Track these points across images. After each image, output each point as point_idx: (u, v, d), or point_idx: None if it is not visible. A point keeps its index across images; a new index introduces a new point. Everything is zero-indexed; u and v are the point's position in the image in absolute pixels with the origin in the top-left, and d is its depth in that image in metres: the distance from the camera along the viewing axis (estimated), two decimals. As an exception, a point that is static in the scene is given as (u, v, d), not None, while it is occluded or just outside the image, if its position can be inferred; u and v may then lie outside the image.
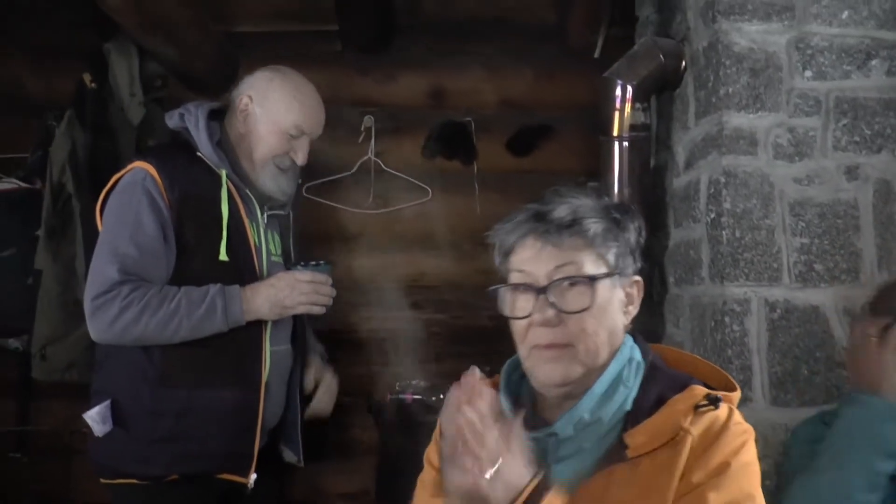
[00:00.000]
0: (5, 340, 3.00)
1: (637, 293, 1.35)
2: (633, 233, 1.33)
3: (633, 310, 1.34)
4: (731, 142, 2.06)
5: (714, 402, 1.24)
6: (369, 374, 3.28)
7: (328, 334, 3.27)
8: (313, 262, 2.26)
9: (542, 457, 1.23)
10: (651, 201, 2.52)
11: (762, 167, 2.06)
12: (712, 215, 2.12)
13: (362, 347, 3.29)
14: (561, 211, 1.27)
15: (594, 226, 1.27)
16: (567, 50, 3.31)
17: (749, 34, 2.08)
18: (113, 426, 2.05)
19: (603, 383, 1.27)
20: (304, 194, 3.25)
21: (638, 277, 1.35)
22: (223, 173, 2.13)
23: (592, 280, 1.26)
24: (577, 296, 1.26)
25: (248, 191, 2.20)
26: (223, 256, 2.07)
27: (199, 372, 2.06)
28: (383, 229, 3.31)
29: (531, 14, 3.34)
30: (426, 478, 1.45)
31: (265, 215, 2.26)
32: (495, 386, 1.38)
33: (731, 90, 2.07)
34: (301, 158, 2.26)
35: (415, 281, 3.32)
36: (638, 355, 1.34)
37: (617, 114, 2.45)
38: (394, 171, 3.28)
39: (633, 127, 2.45)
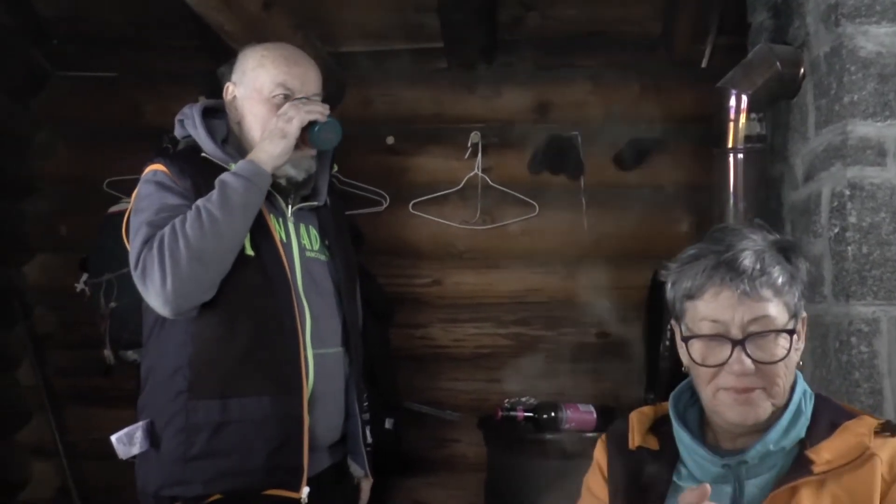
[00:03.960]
0: (125, 352, 3.12)
1: (803, 328, 1.37)
2: (805, 272, 1.36)
3: (802, 344, 1.36)
4: (856, 152, 1.97)
5: (893, 429, 1.28)
6: (476, 390, 3.30)
7: (435, 350, 3.33)
8: None
9: (729, 480, 1.31)
10: (767, 215, 2.43)
11: (891, 178, 1.95)
12: (836, 230, 2.03)
13: (469, 363, 3.31)
14: (748, 260, 1.29)
15: (780, 275, 1.30)
16: (673, 61, 3.26)
17: (877, 37, 1.98)
18: (150, 448, 1.92)
19: (787, 417, 1.31)
20: (412, 211, 3.30)
21: (805, 314, 1.37)
22: (231, 167, 1.97)
23: (790, 333, 1.30)
24: (772, 347, 1.29)
25: None
26: (249, 251, 1.92)
27: (231, 379, 1.89)
28: (490, 245, 3.31)
29: (636, 26, 3.30)
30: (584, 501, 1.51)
31: (292, 208, 2.09)
32: (661, 413, 1.44)
33: (856, 97, 1.98)
34: None
35: (522, 297, 3.31)
36: (807, 387, 1.38)
37: (731, 125, 2.38)
38: (500, 187, 3.28)
39: (748, 138, 2.37)
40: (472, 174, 3.28)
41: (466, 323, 3.30)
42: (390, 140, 3.34)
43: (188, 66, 3.35)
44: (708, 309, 1.31)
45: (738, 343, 1.28)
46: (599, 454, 1.49)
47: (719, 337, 1.29)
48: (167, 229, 1.84)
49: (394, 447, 3.00)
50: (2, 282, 3.43)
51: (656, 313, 2.89)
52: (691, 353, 1.33)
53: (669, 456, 1.39)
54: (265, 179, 1.93)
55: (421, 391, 3.29)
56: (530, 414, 2.71)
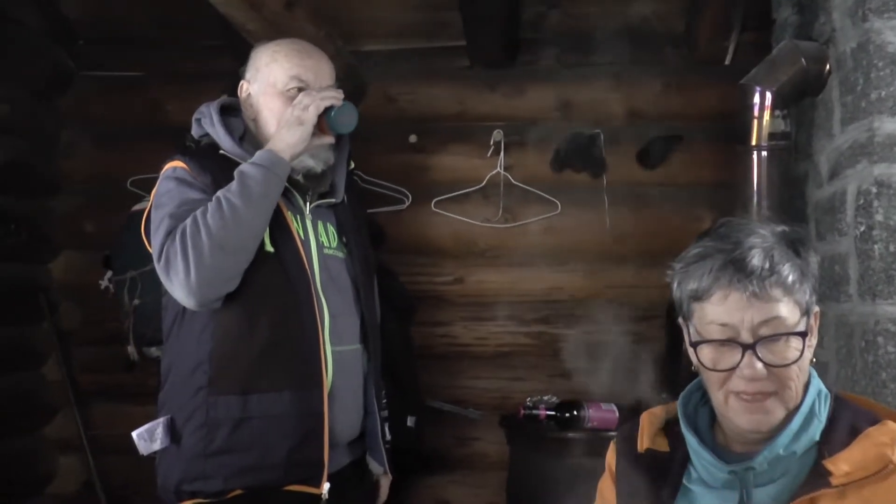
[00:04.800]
0: (148, 349, 3.15)
1: (816, 323, 1.32)
2: (815, 265, 1.30)
3: (815, 341, 1.31)
4: (883, 149, 1.93)
5: None
6: (497, 388, 3.30)
7: (457, 348, 3.33)
8: None
9: (737, 486, 1.27)
10: (791, 214, 2.40)
11: (919, 176, 1.93)
12: (861, 228, 2.00)
13: (491, 361, 3.30)
14: (756, 259, 1.24)
15: (791, 273, 1.25)
16: (696, 58, 3.25)
17: (905, 33, 1.96)
18: (171, 444, 1.93)
19: (798, 420, 1.27)
20: (434, 209, 3.30)
21: (817, 308, 1.32)
22: None
23: (803, 336, 1.25)
24: (784, 349, 1.24)
25: (284, 182, 2.03)
26: (269, 247, 1.92)
27: (251, 375, 1.89)
28: (512, 243, 3.31)
29: (659, 23, 3.28)
30: None
31: (311, 205, 2.09)
32: (673, 413, 1.40)
33: (883, 94, 1.95)
34: None
35: (544, 295, 3.31)
36: (822, 386, 1.33)
37: (755, 122, 2.36)
38: (522, 185, 3.28)
39: (772, 135, 2.35)
40: (494, 172, 3.28)
41: (488, 321, 3.30)
42: (413, 138, 3.35)
43: (211, 65, 3.37)
44: (716, 312, 1.25)
45: (748, 347, 1.23)
46: (610, 457, 1.46)
47: (730, 342, 1.25)
48: (189, 220, 1.85)
49: (415, 445, 3.01)
50: (28, 279, 3.47)
51: (678, 312, 2.87)
52: (700, 358, 1.29)
53: (680, 458, 1.35)
54: (284, 168, 1.94)
55: (443, 389, 3.29)
56: (552, 412, 2.70)
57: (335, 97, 2.00)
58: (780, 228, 1.30)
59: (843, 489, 1.20)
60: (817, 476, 1.22)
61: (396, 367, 2.79)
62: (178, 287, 1.86)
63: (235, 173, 1.90)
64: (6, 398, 3.21)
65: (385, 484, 2.26)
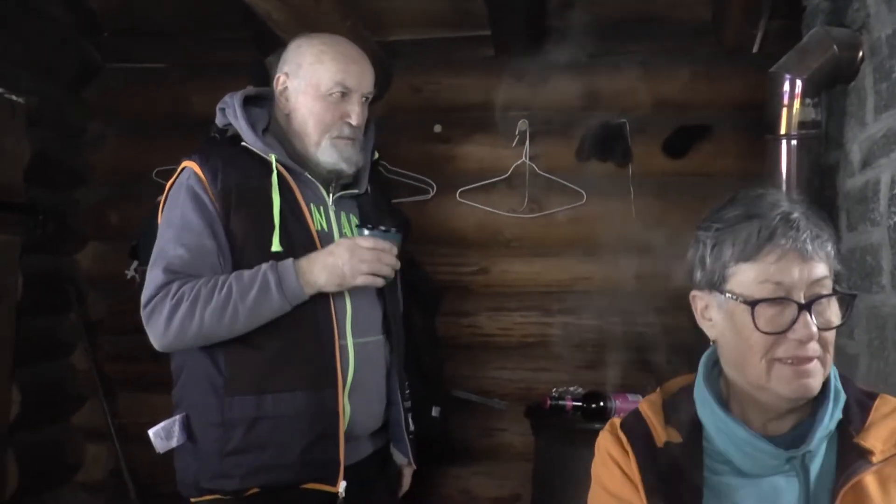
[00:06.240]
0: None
1: None
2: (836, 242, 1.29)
3: None
4: (918, 137, 1.91)
5: None
6: (523, 378, 3.29)
7: (482, 338, 3.32)
8: (382, 228, 2.00)
9: (793, 472, 1.24)
10: (821, 204, 2.37)
11: (954, 165, 1.90)
12: (895, 219, 1.97)
13: (516, 352, 3.30)
14: (803, 221, 1.22)
15: (829, 238, 1.24)
16: (723, 46, 3.21)
17: (942, 19, 1.92)
18: (186, 441, 1.94)
19: (831, 396, 1.26)
20: (459, 199, 3.29)
21: None
22: (272, 158, 1.97)
23: (853, 297, 1.25)
24: (829, 313, 1.23)
25: (307, 174, 2.03)
26: (276, 247, 1.91)
27: (265, 376, 1.90)
28: (537, 233, 3.30)
29: (685, 11, 3.26)
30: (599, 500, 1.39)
31: (334, 196, 2.08)
32: (666, 398, 1.38)
33: (919, 81, 1.92)
34: (355, 119, 2.03)
35: (569, 286, 3.29)
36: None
37: (785, 110, 2.33)
38: (548, 175, 3.26)
39: (802, 124, 2.32)
40: (519, 162, 3.27)
41: (513, 311, 3.29)
42: (438, 128, 3.35)
43: (235, 56, 3.38)
44: (770, 271, 1.21)
45: (804, 307, 1.19)
46: (616, 453, 1.35)
47: (786, 300, 1.20)
48: (187, 298, 1.86)
49: (440, 436, 3.01)
50: (56, 270, 3.50)
51: (694, 282, 2.84)
52: (756, 319, 1.20)
53: (695, 446, 1.30)
54: (301, 299, 1.92)
55: (468, 380, 3.29)
56: (578, 403, 2.69)
57: (387, 275, 1.98)
58: (799, 198, 1.30)
59: (881, 465, 1.20)
60: (855, 455, 1.21)
61: (421, 357, 2.80)
62: (151, 336, 1.90)
63: (258, 283, 1.87)
64: (36, 388, 3.25)
65: (408, 474, 2.26)
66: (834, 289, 1.23)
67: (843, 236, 2.32)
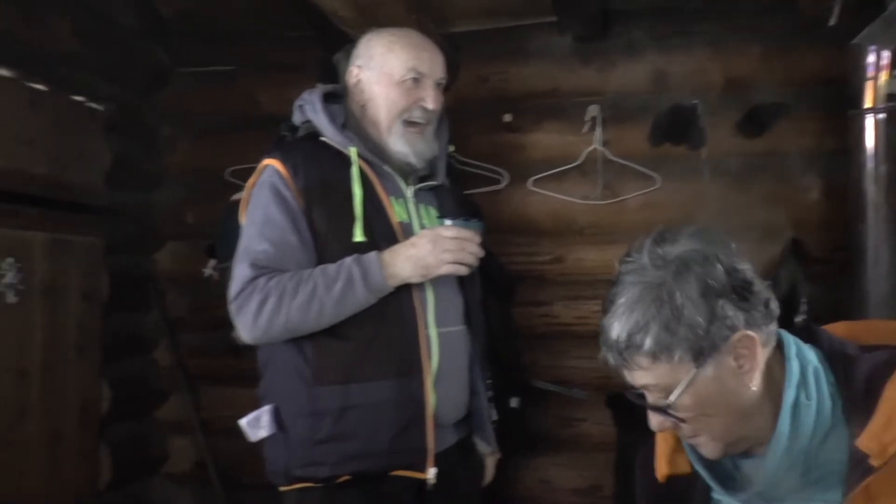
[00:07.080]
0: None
1: (750, 347, 1.14)
2: (702, 304, 1.12)
3: (749, 365, 1.15)
4: None
5: None
6: (599, 368, 3.23)
7: (559, 327, 3.30)
8: (463, 218, 2.03)
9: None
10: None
11: None
12: None
13: (594, 341, 3.24)
14: (614, 329, 1.16)
15: (647, 341, 1.13)
16: (798, 21, 3.10)
17: None
18: (277, 431, 1.98)
19: (784, 424, 1.15)
20: (531, 188, 3.28)
21: (743, 334, 1.13)
22: (352, 151, 2.00)
23: (667, 406, 1.17)
24: (676, 408, 1.16)
25: (386, 167, 2.06)
26: (358, 238, 1.93)
27: (351, 366, 1.92)
28: (611, 220, 3.25)
29: (756, -15, 3.17)
30: None
31: (413, 189, 2.10)
32: None
33: None
34: (431, 102, 2.07)
35: (645, 273, 3.23)
36: (813, 358, 1.20)
37: (869, 84, 2.28)
38: (620, 160, 3.21)
39: (889, 97, 2.26)
40: (591, 148, 3.22)
41: (589, 300, 3.25)
42: (507, 117, 3.33)
43: (301, 55, 3.41)
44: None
45: (654, 409, 1.18)
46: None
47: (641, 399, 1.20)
48: (274, 293, 1.89)
49: (519, 426, 3.00)
50: (137, 269, 3.60)
51: (788, 286, 2.78)
52: None
53: (703, 482, 1.25)
54: (385, 291, 1.94)
55: (546, 369, 3.27)
56: (661, 393, 2.66)
57: (471, 263, 1.99)
58: (676, 253, 1.16)
59: (890, 463, 1.08)
60: (856, 462, 1.10)
61: (498, 347, 2.79)
62: (241, 328, 1.94)
63: (343, 276, 1.90)
64: (122, 383, 3.35)
65: (492, 463, 2.27)
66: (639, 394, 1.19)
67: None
